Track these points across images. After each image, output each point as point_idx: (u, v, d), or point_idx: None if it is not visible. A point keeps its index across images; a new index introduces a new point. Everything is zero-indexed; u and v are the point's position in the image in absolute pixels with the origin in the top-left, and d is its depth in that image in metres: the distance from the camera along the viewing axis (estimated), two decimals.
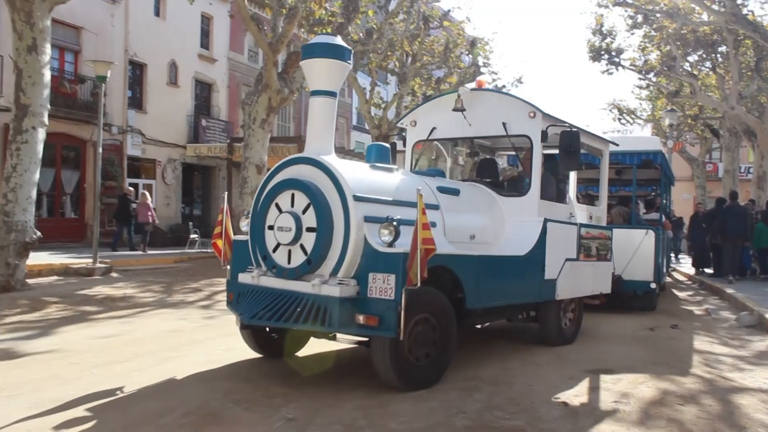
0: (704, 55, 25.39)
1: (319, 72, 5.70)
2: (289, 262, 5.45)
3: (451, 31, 26.79)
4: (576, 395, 5.42)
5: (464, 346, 7.31)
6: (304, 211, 5.36)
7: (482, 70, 28.41)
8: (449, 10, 26.42)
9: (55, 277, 13.35)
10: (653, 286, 10.88)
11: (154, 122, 24.37)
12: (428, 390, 5.35)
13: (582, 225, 7.88)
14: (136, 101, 24.22)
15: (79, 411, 4.63)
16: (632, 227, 11.27)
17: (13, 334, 7.36)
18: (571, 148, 6.89)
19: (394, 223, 5.05)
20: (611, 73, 26.07)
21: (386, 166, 6.10)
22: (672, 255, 21.81)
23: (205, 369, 5.92)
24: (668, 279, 16.36)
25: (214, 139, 26.12)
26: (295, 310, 5.13)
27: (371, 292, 5.08)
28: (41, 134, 11.43)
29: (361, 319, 5.03)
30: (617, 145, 9.30)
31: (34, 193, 11.43)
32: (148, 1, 24.33)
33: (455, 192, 6.68)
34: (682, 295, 14.38)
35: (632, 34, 25.11)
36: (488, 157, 8.97)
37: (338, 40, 5.74)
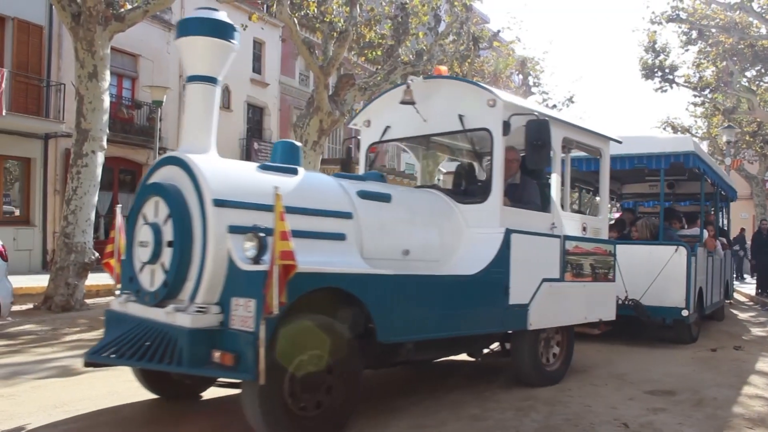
0: (763, 70, 24.79)
1: (196, 53, 4.77)
2: (151, 285, 4.58)
3: (501, 52, 26.73)
4: (636, 416, 5.26)
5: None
6: (165, 222, 4.47)
7: (533, 90, 28.29)
8: (499, 31, 26.36)
9: (111, 298, 13.63)
10: (685, 313, 8.85)
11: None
12: (483, 410, 5.26)
13: (568, 237, 6.43)
14: None
15: (136, 428, 4.68)
16: (659, 243, 9.32)
17: (72, 352, 7.51)
18: (538, 141, 5.60)
19: (261, 234, 4.05)
20: (665, 91, 25.68)
21: (286, 166, 5.01)
22: (735, 275, 20.91)
23: None
24: (728, 301, 14.75)
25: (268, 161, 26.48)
26: (143, 344, 4.27)
27: (233, 321, 4.10)
28: (100, 158, 11.74)
29: (216, 356, 4.01)
30: (620, 142, 7.73)
31: (93, 216, 11.72)
32: None
33: (384, 198, 5.39)
34: (743, 316, 13.92)
35: (686, 50, 24.75)
36: (467, 161, 7.69)
37: (220, 15, 4.79)
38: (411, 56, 19.43)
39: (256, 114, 27.82)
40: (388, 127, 6.84)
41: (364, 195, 5.24)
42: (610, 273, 7.17)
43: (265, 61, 27.97)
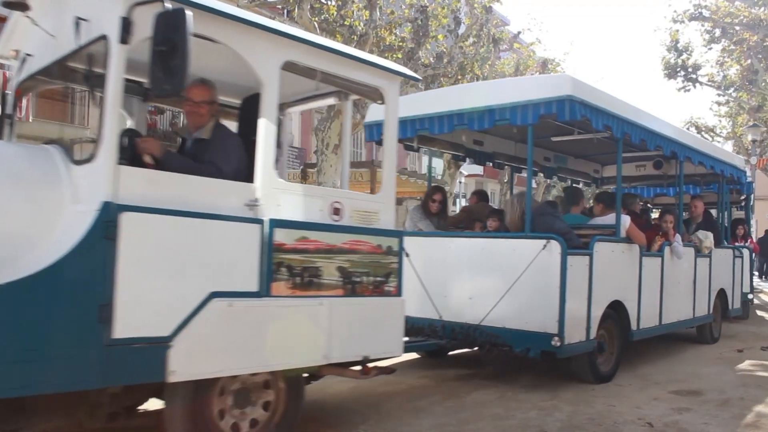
0: None
1: None
2: None
3: (522, 53, 26.67)
4: (661, 416, 5.21)
5: (541, 367, 7.16)
6: None
7: None
8: (519, 32, 26.31)
9: None
10: (556, 343, 5.72)
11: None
12: (506, 409, 5.25)
13: (281, 224, 3.94)
14: None
15: None
16: (521, 236, 6.20)
17: None
18: (164, 46, 3.26)
19: None
20: (688, 90, 25.46)
21: None
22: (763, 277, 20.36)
23: None
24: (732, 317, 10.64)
25: (288, 166, 26.61)
26: None
27: None
28: None
29: None
30: (418, 80, 5.65)
31: None
32: None
33: None
34: None
35: (710, 49, 24.51)
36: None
37: None
38: (431, 59, 19.48)
39: None
40: (28, 56, 4.45)
41: None
42: (391, 282, 4.60)
43: None
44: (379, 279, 4.52)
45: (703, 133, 33.57)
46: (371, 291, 4.46)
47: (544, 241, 5.89)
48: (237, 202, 3.84)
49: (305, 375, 4.37)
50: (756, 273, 19.94)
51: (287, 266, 3.95)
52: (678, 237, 8.11)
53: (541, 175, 10.22)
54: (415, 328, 6.38)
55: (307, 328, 4.08)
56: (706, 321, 9.23)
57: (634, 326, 7.02)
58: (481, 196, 8.82)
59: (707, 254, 9.05)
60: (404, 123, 6.80)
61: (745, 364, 7.76)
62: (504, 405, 5.40)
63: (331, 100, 5.15)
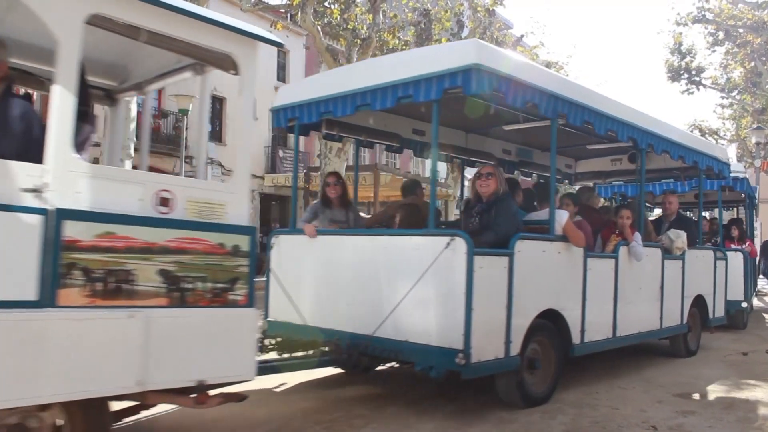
0: None
1: None
2: None
3: (525, 57, 26.71)
4: (665, 419, 5.20)
5: None
6: None
7: None
8: (522, 35, 26.35)
9: None
10: (460, 361, 4.65)
11: (233, 154, 25.11)
12: (510, 412, 5.23)
13: (71, 215, 3.10)
14: (216, 134, 25.01)
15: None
16: (420, 233, 5.19)
17: None
18: None
19: None
20: (691, 93, 25.46)
21: None
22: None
23: (287, 389, 5.96)
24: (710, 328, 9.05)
25: (291, 169, 26.70)
26: None
27: None
28: (127, 166, 11.89)
29: None
30: (280, 45, 4.30)
31: None
32: None
33: None
34: None
35: (713, 51, 24.53)
36: None
37: None
38: None
39: None
40: None
41: None
42: (238, 290, 3.75)
43: (290, 69, 28.24)
44: (220, 285, 3.62)
45: (707, 135, 33.59)
46: (209, 300, 3.57)
47: (447, 239, 4.82)
48: (10, 186, 2.96)
49: (132, 404, 3.71)
50: (761, 276, 19.70)
51: (83, 269, 3.10)
52: (638, 236, 6.89)
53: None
54: (297, 342, 5.43)
55: (111, 347, 3.18)
56: (679, 331, 7.95)
57: (576, 339, 5.91)
58: (407, 189, 7.17)
59: (679, 256, 7.81)
60: (309, 106, 6.21)
61: (751, 367, 7.73)
62: (508, 408, 5.37)
63: (187, 74, 4.32)
